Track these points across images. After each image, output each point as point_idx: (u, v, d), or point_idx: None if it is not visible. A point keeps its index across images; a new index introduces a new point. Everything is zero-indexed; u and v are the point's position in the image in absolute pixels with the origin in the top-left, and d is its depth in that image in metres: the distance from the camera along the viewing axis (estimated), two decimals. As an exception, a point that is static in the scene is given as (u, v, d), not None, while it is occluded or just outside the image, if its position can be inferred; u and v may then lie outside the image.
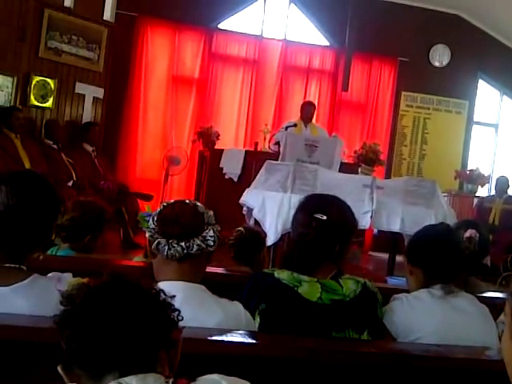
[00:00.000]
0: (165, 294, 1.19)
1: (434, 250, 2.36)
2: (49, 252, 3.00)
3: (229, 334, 1.80)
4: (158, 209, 1.94)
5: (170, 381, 1.11)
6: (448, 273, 2.34)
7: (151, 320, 1.14)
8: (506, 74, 10.32)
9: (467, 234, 2.46)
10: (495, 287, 2.95)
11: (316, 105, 8.69)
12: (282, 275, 2.09)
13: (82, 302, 1.14)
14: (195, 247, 1.83)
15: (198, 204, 1.93)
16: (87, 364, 1.12)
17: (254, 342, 1.83)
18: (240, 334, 1.84)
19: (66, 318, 1.14)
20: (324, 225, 2.10)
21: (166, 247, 1.84)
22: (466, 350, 2.06)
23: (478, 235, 2.54)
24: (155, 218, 1.90)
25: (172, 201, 1.96)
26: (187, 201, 1.94)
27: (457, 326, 2.21)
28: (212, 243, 1.87)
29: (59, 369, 1.15)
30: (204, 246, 1.85)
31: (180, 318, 1.19)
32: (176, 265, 1.87)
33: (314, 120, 8.56)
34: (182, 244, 1.82)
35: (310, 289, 2.06)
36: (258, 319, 2.04)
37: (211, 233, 1.86)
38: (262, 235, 3.45)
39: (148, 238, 1.90)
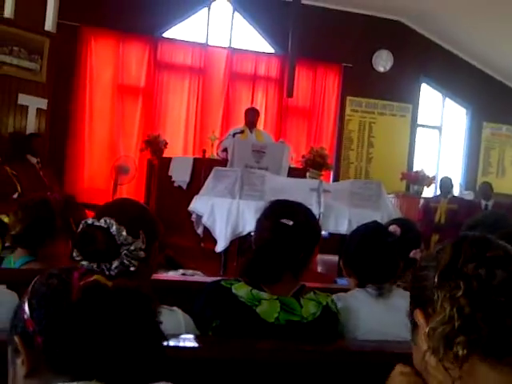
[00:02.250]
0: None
1: (361, 251, 2.33)
2: (5, 262, 2.91)
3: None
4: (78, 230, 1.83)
5: None
6: (379, 273, 2.30)
7: (155, 346, 1.14)
8: (448, 77, 10.60)
9: (389, 229, 2.51)
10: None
11: (259, 111, 8.66)
12: (240, 292, 1.98)
13: (104, 299, 1.10)
14: (115, 270, 1.75)
15: (113, 223, 1.78)
16: (67, 359, 1.05)
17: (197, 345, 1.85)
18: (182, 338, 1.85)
19: (84, 308, 1.08)
20: (290, 230, 2.02)
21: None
22: (401, 346, 2.10)
23: (398, 230, 2.57)
24: (74, 242, 1.80)
25: (90, 221, 1.81)
26: (102, 221, 1.79)
27: (392, 325, 2.15)
28: (132, 263, 1.77)
29: (17, 338, 1.08)
30: (124, 267, 1.76)
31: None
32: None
33: (261, 126, 8.61)
34: (103, 267, 1.74)
35: (268, 308, 1.96)
36: (210, 334, 1.97)
37: (128, 253, 1.77)
38: None
39: (74, 256, 1.79)
